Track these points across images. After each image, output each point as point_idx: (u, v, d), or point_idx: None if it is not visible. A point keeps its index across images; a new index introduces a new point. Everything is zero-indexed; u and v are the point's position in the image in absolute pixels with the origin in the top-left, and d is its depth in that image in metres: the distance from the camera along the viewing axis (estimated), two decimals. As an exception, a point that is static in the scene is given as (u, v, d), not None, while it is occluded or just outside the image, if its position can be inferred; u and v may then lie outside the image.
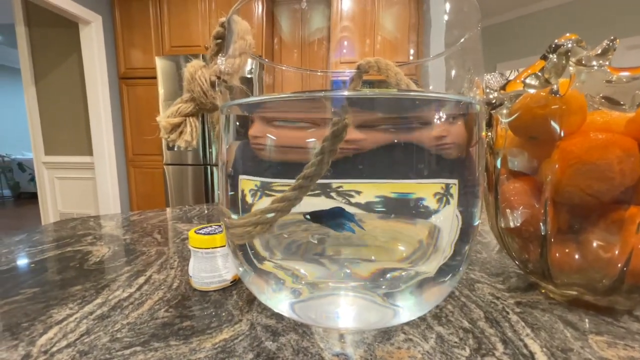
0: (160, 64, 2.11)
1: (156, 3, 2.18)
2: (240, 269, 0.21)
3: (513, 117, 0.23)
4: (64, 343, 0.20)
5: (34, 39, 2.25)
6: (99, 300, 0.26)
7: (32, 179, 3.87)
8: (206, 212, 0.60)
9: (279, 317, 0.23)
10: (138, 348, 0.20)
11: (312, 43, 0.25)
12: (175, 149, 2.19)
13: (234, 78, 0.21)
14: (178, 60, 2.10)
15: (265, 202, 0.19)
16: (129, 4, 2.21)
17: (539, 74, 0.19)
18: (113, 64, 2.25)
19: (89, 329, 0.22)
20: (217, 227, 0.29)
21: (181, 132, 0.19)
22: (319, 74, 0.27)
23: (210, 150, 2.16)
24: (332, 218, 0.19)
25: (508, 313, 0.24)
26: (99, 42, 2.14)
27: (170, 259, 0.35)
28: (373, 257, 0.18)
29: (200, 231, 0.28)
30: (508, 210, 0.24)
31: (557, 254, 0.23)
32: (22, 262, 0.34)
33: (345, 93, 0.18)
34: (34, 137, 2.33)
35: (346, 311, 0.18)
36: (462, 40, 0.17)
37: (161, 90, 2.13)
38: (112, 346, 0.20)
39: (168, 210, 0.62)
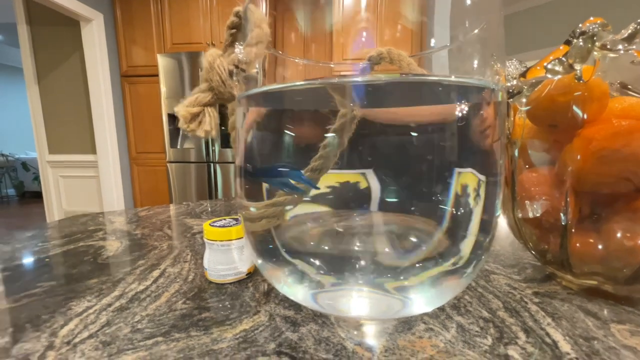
0: (162, 62, 2.11)
1: (157, 0, 2.17)
2: (260, 260, 0.21)
3: (532, 105, 0.23)
4: (85, 334, 0.20)
5: (36, 37, 2.25)
6: (116, 293, 0.26)
7: (36, 178, 3.89)
8: (213, 207, 0.60)
9: (297, 308, 0.23)
10: (160, 338, 0.20)
11: (322, 38, 0.25)
12: (186, 137, 2.18)
13: (252, 67, 0.21)
14: (180, 57, 2.10)
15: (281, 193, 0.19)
16: (130, 1, 2.20)
17: (563, 59, 0.18)
18: (115, 62, 2.25)
19: (109, 320, 0.22)
20: (231, 220, 0.29)
21: (200, 122, 0.19)
22: (332, 66, 0.27)
23: (214, 148, 2.16)
24: (275, 175, 0.19)
25: (527, 303, 0.24)
26: (101, 40, 2.14)
27: (182, 253, 0.35)
28: (394, 249, 0.18)
29: (215, 224, 0.28)
30: (527, 201, 0.24)
31: (578, 244, 0.22)
32: (37, 257, 0.34)
33: (369, 78, 0.18)
34: (37, 136, 2.33)
35: (367, 301, 0.18)
36: (483, 25, 0.17)
37: (163, 88, 2.13)
38: (134, 337, 0.20)
39: (174, 206, 0.62)
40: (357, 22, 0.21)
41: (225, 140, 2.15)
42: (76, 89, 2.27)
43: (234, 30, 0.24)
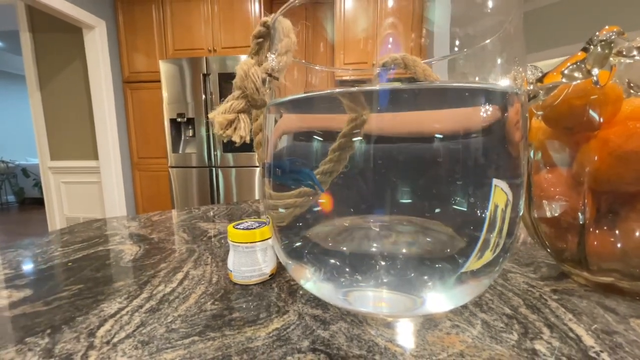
0: (164, 68, 2.12)
1: (159, 7, 2.19)
2: (290, 261, 0.21)
3: (548, 108, 0.24)
4: (122, 334, 0.21)
5: (38, 44, 2.27)
6: (144, 295, 0.26)
7: (36, 185, 3.89)
8: (224, 211, 0.61)
9: (324, 307, 0.24)
10: (196, 338, 0.20)
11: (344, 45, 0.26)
12: (188, 142, 2.19)
13: (282, 75, 0.21)
14: (181, 63, 2.11)
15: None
16: (132, 8, 2.22)
17: (582, 65, 0.19)
18: (117, 68, 2.27)
19: (143, 321, 0.22)
20: (253, 222, 0.30)
21: (235, 128, 0.20)
22: (350, 70, 0.28)
23: (215, 152, 2.17)
24: (293, 172, 0.20)
25: (546, 300, 0.25)
26: (103, 46, 2.15)
27: (202, 256, 0.36)
28: (420, 249, 0.19)
29: (238, 226, 0.29)
30: (545, 201, 0.25)
31: (596, 242, 0.23)
32: (59, 261, 0.35)
33: (399, 85, 0.19)
34: (39, 143, 2.34)
35: (396, 299, 0.19)
36: (505, 25, 0.18)
37: (165, 94, 2.15)
38: (170, 336, 0.20)
39: (185, 210, 0.62)
40: (384, 28, 0.21)
41: (227, 145, 2.16)
42: (78, 96, 2.28)
43: (260, 40, 0.25)
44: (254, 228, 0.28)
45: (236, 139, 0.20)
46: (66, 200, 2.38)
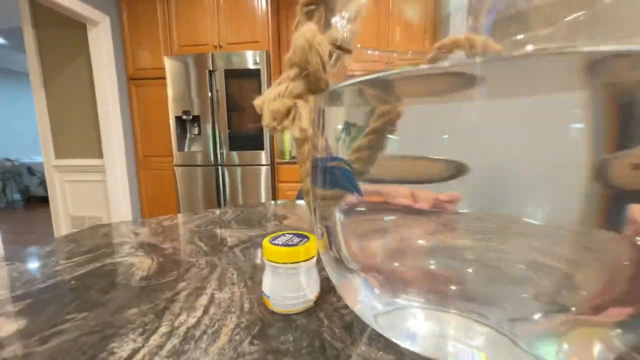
0: (169, 64, 2.08)
1: (163, 2, 2.14)
2: (346, 275, 0.16)
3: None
4: (141, 393, 0.16)
5: (42, 41, 2.23)
6: (163, 329, 0.21)
7: (41, 183, 3.87)
8: (239, 215, 0.56)
9: (395, 350, 0.19)
10: (239, 401, 0.15)
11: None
12: (193, 141, 2.14)
13: (351, 46, 0.16)
14: (186, 60, 2.06)
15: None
16: (136, 3, 2.17)
17: None
18: (121, 65, 2.23)
19: (165, 371, 0.17)
20: (293, 236, 0.25)
21: (294, 118, 0.15)
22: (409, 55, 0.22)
23: (222, 151, 2.12)
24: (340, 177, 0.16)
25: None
26: (107, 42, 2.11)
27: (226, 272, 0.30)
28: (529, 286, 0.13)
29: (275, 241, 0.24)
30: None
31: None
32: (60, 278, 0.30)
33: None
34: (44, 141, 2.31)
35: (494, 349, 0.14)
36: None
37: (170, 91, 2.10)
38: (205, 398, 0.15)
39: (198, 214, 0.57)
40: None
41: (233, 144, 2.11)
42: (83, 93, 2.24)
43: (312, 7, 0.20)
44: (296, 244, 0.23)
45: (296, 132, 0.15)
46: (71, 199, 2.35)
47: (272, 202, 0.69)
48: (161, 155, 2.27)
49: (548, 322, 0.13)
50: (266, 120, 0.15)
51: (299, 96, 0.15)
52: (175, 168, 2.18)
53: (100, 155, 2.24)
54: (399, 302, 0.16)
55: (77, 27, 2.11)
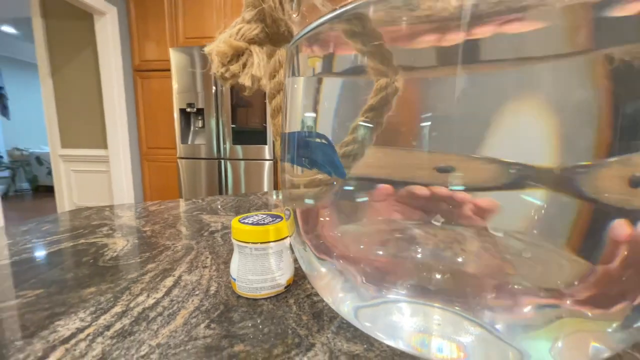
0: (174, 56, 2.07)
1: (171, -7, 2.14)
2: (323, 269, 0.14)
3: None
4: (70, 376, 0.14)
5: (50, 31, 2.25)
6: (117, 309, 0.19)
7: (50, 173, 3.93)
8: (230, 203, 0.54)
9: (363, 339, 0.17)
10: (177, 388, 0.13)
11: None
12: (197, 132, 2.14)
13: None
14: (192, 52, 2.06)
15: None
16: (143, -6, 2.17)
17: None
18: (127, 56, 2.23)
19: (104, 351, 0.15)
20: (265, 215, 0.23)
21: (244, 64, 0.12)
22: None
23: (225, 145, 2.11)
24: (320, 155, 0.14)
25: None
26: (114, 33, 2.12)
27: (200, 256, 0.29)
28: (510, 276, 0.11)
29: (245, 220, 0.22)
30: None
31: None
32: (26, 256, 0.28)
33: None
34: (50, 130, 2.33)
35: (472, 343, 0.11)
36: None
37: (175, 84, 2.10)
38: (139, 384, 0.14)
39: (187, 201, 0.56)
40: None
41: (237, 138, 2.10)
42: (89, 83, 2.26)
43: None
44: (267, 223, 0.21)
45: (245, 81, 0.12)
46: (76, 188, 2.38)
47: (275, 191, 0.67)
48: (165, 147, 2.28)
49: (535, 315, 0.11)
50: (214, 67, 0.13)
51: (253, 41, 0.13)
52: (178, 160, 2.19)
53: (105, 145, 2.26)
54: (382, 295, 0.13)
55: (84, 18, 2.12)
